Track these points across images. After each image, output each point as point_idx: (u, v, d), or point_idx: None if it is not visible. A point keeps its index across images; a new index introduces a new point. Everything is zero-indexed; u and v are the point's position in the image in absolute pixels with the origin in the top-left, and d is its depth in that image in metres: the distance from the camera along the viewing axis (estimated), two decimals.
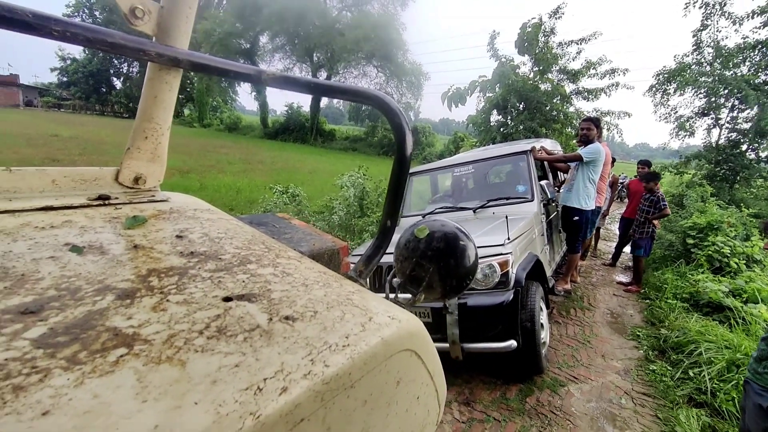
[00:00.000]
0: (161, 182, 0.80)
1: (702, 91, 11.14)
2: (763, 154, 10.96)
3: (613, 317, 4.10)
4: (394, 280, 0.69)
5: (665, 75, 11.58)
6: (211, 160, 15.28)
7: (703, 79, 10.87)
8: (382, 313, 0.47)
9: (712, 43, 10.90)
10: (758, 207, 9.15)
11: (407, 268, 0.65)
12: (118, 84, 45.19)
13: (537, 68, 9.25)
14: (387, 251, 0.69)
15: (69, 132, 17.75)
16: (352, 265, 0.76)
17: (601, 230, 7.46)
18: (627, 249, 5.89)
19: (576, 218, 4.14)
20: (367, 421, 0.40)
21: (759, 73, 10.28)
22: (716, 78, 10.55)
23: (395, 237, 0.69)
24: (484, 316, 2.58)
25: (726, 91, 10.40)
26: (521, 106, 9.26)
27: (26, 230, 0.53)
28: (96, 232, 0.56)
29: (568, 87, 9.33)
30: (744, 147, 11.05)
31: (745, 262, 4.76)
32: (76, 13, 39.58)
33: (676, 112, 12.22)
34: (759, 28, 10.15)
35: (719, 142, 11.40)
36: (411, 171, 4.42)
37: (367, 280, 0.68)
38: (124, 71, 44.21)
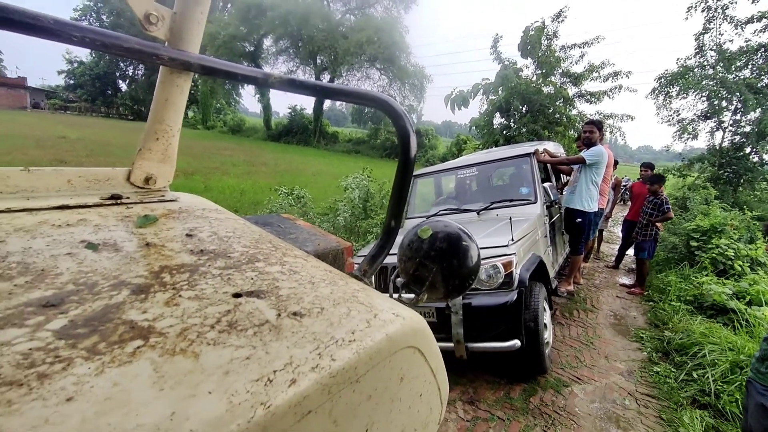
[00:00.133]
0: (170, 182, 0.82)
1: (704, 94, 11.09)
2: (766, 157, 10.87)
3: (616, 319, 4.08)
4: (398, 279, 0.70)
5: (667, 78, 11.54)
6: (215, 162, 15.33)
7: (705, 82, 10.82)
8: (386, 311, 0.48)
9: (714, 47, 10.84)
10: (762, 210, 9.08)
11: (411, 268, 0.66)
12: (123, 87, 45.56)
13: (540, 71, 9.26)
14: (391, 252, 0.70)
15: (76, 134, 17.91)
16: (356, 265, 0.77)
17: (604, 233, 7.44)
18: (630, 251, 5.86)
19: (579, 220, 4.15)
20: (371, 416, 0.41)
21: (762, 77, 10.21)
22: (718, 81, 10.50)
23: (399, 238, 0.69)
24: (488, 315, 2.60)
25: (729, 95, 10.35)
26: (524, 108, 9.26)
27: (44, 228, 0.55)
28: (110, 230, 0.58)
29: (571, 90, 9.32)
30: (747, 150, 10.98)
31: (749, 264, 4.73)
32: (83, 17, 39.74)
33: (679, 114, 12.18)
34: (761, 31, 10.10)
35: (722, 145, 11.32)
36: (415, 173, 4.43)
37: (372, 279, 0.69)
38: (130, 74, 44.51)
